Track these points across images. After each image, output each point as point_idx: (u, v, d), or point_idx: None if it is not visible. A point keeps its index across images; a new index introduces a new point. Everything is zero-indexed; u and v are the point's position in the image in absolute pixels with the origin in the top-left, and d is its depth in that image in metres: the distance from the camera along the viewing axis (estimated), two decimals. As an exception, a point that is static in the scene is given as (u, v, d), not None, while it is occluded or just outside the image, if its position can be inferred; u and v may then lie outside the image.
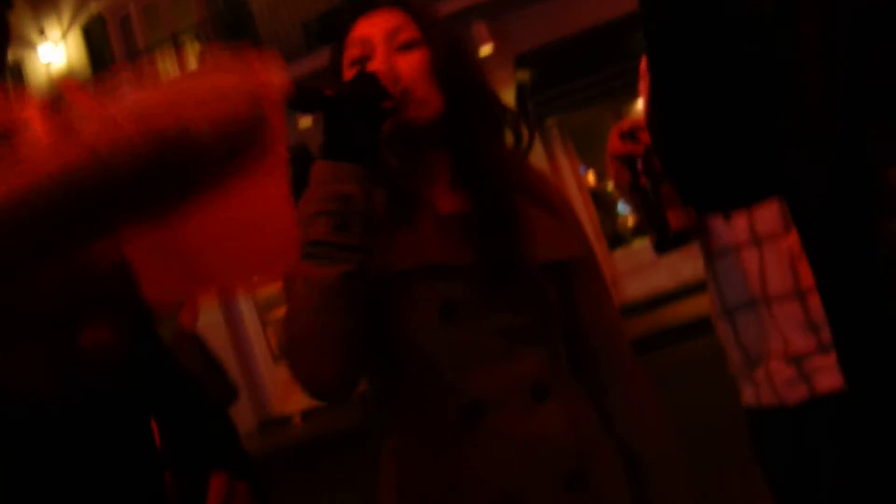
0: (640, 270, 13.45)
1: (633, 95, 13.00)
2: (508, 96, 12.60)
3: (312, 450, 11.63)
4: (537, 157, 13.05)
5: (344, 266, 1.47)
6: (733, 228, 2.08)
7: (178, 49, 15.83)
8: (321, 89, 1.50)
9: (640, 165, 2.06)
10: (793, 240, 1.98)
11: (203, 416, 1.61)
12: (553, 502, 1.60)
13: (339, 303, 1.47)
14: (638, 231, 13.88)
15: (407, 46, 1.65)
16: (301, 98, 1.47)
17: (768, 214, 2.05)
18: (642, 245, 13.65)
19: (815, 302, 1.97)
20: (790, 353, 2.04)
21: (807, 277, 1.98)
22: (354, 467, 8.49)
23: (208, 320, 15.42)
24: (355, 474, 8.37)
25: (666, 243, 2.09)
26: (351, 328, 1.50)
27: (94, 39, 17.06)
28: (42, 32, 17.43)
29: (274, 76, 1.02)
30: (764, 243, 2.04)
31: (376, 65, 1.60)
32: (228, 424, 1.67)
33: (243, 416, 15.43)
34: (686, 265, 12.54)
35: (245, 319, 16.06)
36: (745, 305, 2.11)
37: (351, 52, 1.66)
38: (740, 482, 4.82)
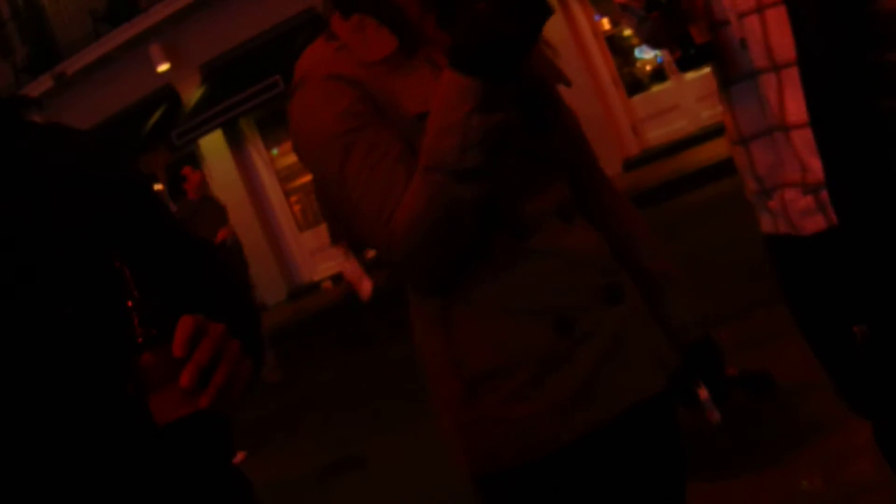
0: (660, 115, 13.31)
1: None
2: None
3: (342, 312, 11.78)
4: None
5: (485, 188, 1.52)
6: (750, 55, 2.01)
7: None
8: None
9: None
10: None
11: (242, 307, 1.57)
12: (598, 316, 1.65)
13: (473, 222, 1.54)
14: (656, 76, 13.68)
15: None
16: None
17: (788, 41, 1.97)
18: (661, 89, 13.48)
19: None
20: (808, 182, 2.00)
21: None
22: (383, 325, 8.59)
23: (231, 196, 15.60)
24: (384, 332, 8.50)
25: (690, 59, 2.03)
26: (472, 242, 1.58)
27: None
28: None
29: None
30: (783, 70, 1.97)
31: None
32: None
33: (273, 286, 15.64)
34: (705, 108, 12.39)
35: (268, 191, 16.08)
36: (761, 133, 2.05)
37: None
38: (767, 319, 4.83)
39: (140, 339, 1.19)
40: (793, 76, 1.94)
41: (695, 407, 1.84)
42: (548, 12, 1.44)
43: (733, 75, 2.08)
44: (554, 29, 12.56)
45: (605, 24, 13.54)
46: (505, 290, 1.62)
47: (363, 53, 1.60)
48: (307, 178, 15.89)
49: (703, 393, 1.83)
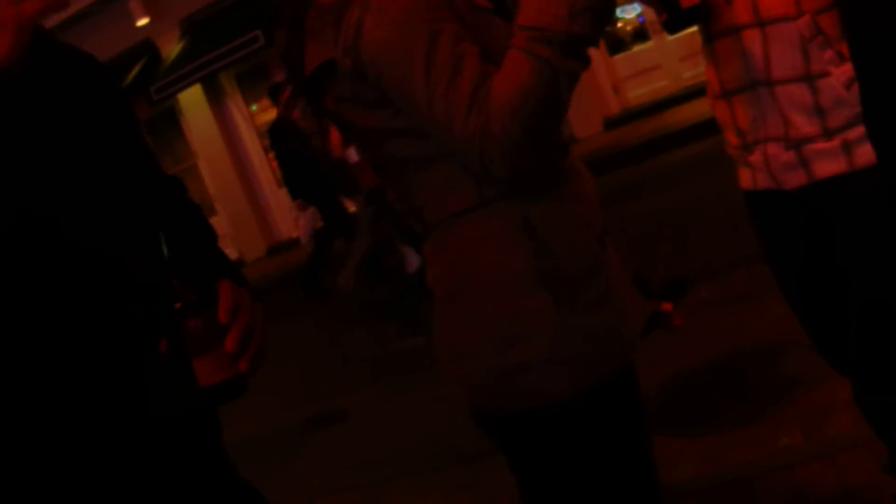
0: (642, 75, 13.30)
1: None
2: None
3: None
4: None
5: (586, 65, 1.55)
6: (735, 10, 2.01)
7: None
8: None
9: None
10: (803, 23, 1.92)
11: (208, 233, 1.65)
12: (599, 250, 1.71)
13: (568, 103, 1.55)
14: (638, 36, 13.65)
15: None
16: None
17: None
18: (643, 49, 13.45)
19: (826, 85, 1.94)
20: (790, 137, 2.01)
21: (818, 62, 1.93)
22: (363, 279, 8.61)
23: (211, 151, 15.50)
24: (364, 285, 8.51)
25: (677, 21, 2.03)
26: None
27: None
28: None
29: None
30: (769, 26, 1.97)
31: None
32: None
33: (252, 242, 15.61)
34: (687, 69, 12.39)
35: (247, 146, 16.00)
36: (744, 87, 2.06)
37: None
38: (748, 279, 4.87)
39: (179, 305, 1.22)
40: (778, 32, 1.95)
41: (663, 324, 1.97)
42: None
43: (717, 30, 2.08)
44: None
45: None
46: (567, 202, 1.67)
47: None
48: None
49: (669, 306, 2.00)
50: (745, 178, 2.18)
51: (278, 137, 9.30)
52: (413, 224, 1.81)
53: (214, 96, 15.74)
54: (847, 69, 1.92)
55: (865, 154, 1.92)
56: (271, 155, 16.09)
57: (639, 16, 13.19)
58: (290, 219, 15.78)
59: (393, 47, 1.54)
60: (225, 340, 1.24)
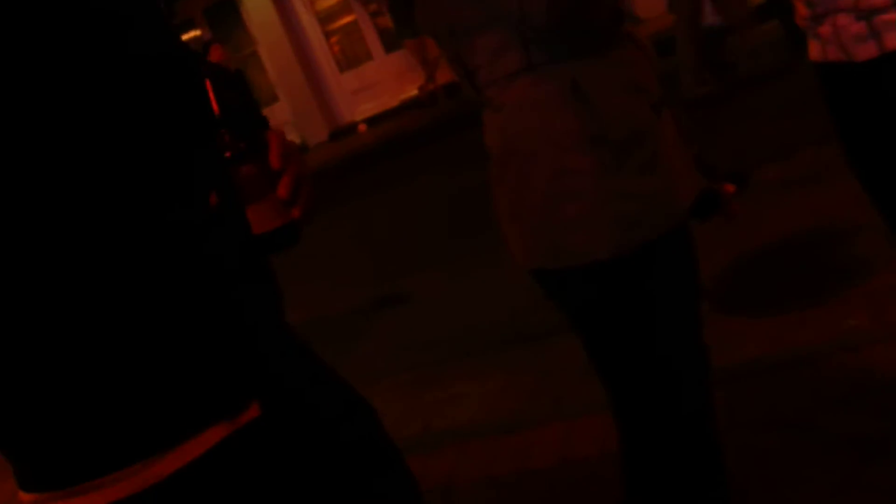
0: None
1: None
2: None
3: (377, 154, 11.82)
4: None
5: None
6: None
7: None
8: None
9: None
10: None
11: (248, 94, 1.65)
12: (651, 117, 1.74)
13: None
14: None
15: None
16: None
17: None
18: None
19: None
20: (861, 7, 1.95)
21: None
22: (426, 163, 8.61)
23: (271, 37, 15.42)
24: (428, 169, 8.52)
25: None
26: None
27: None
28: None
29: None
30: None
31: None
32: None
33: (314, 127, 15.63)
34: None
35: (307, 32, 15.89)
36: None
37: None
38: (816, 160, 4.79)
39: (229, 153, 1.22)
40: None
41: (721, 208, 1.98)
42: None
43: None
44: None
45: None
46: (622, 65, 1.69)
47: None
48: (348, 18, 15.70)
49: (730, 188, 2.02)
50: (815, 50, 2.13)
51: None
52: (467, 86, 1.86)
53: (274, -20, 15.58)
54: None
55: None
56: (333, 39, 16.03)
57: None
58: (351, 103, 15.78)
59: None
60: (278, 187, 1.24)
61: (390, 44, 14.98)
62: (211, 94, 1.22)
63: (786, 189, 4.74)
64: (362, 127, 14.83)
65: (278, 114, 16.53)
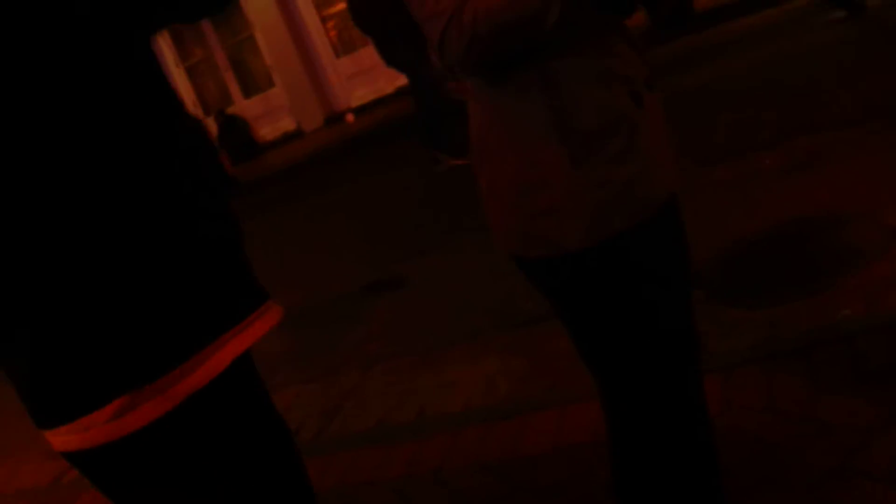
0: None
1: None
2: None
3: (367, 140, 11.84)
4: None
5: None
6: None
7: None
8: None
9: None
10: None
11: None
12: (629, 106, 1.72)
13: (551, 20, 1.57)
14: None
15: None
16: None
17: None
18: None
19: None
20: None
21: None
22: (418, 148, 8.59)
23: (267, 21, 15.35)
24: (420, 155, 8.51)
25: None
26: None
27: None
28: None
29: None
30: None
31: None
32: None
33: (310, 112, 15.60)
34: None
35: (304, 16, 15.83)
36: None
37: None
38: (810, 147, 4.78)
39: None
40: None
41: None
42: None
43: None
44: None
45: None
46: (597, 55, 1.67)
47: None
48: (344, 3, 15.62)
49: None
50: None
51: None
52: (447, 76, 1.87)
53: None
54: None
55: None
56: (330, 24, 15.96)
57: None
58: (347, 88, 15.73)
59: None
60: None
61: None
62: None
63: (780, 176, 4.73)
64: (350, 117, 14.78)
65: (274, 99, 16.50)
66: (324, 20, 15.94)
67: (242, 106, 16.88)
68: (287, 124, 16.43)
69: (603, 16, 1.68)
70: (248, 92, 17.15)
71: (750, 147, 5.31)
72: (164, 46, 17.08)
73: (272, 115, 16.66)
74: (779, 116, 5.66)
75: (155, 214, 1.42)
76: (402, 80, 12.27)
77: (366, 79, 15.27)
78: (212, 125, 15.74)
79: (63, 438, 1.43)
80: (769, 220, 4.24)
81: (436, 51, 1.60)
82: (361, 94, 15.30)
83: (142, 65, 1.49)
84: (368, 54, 15.29)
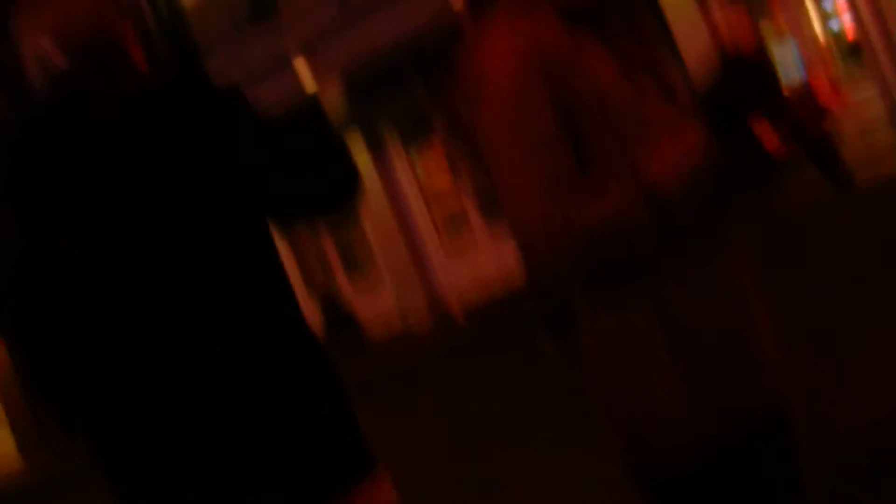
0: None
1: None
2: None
3: (477, 346, 11.73)
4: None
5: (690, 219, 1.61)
6: None
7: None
8: None
9: None
10: None
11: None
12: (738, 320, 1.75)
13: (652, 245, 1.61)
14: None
15: None
16: None
17: None
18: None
19: None
20: None
21: None
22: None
23: (377, 212, 15.62)
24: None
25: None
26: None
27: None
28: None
29: None
30: None
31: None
32: None
33: (417, 308, 15.60)
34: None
35: (415, 213, 16.20)
36: None
37: None
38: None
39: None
40: None
41: None
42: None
43: None
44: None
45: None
46: (705, 268, 1.67)
47: (550, 30, 1.65)
48: (455, 202, 15.93)
49: None
50: None
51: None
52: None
53: (374, 145, 15.96)
54: None
55: None
56: (433, 206, 16.24)
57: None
58: (454, 284, 15.78)
59: (496, 134, 1.64)
60: None
61: (494, 224, 15.01)
62: None
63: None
64: (456, 308, 14.77)
65: (376, 278, 16.62)
66: (427, 201, 16.25)
67: (346, 289, 17.13)
68: (389, 308, 16.48)
69: (710, 224, 1.67)
70: (350, 267, 17.45)
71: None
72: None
73: (372, 295, 16.78)
74: None
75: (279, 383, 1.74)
76: (510, 277, 12.36)
77: (472, 268, 15.37)
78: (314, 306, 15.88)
79: None
80: None
81: (537, 266, 1.60)
82: (468, 291, 15.34)
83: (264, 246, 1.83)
84: (475, 251, 15.51)
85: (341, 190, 1.86)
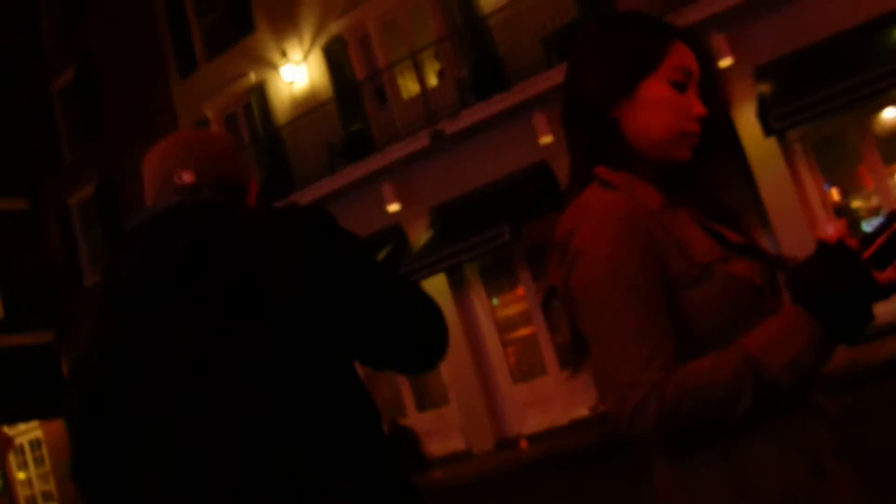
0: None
1: (881, 104, 12.36)
2: (749, 109, 12.25)
3: (543, 469, 11.63)
4: (778, 173, 12.62)
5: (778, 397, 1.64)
6: None
7: (417, 66, 16.25)
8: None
9: None
10: None
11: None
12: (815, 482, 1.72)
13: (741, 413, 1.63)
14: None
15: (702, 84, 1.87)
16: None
17: None
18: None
19: None
20: None
21: None
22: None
23: (451, 339, 15.63)
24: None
25: None
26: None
27: (335, 59, 17.56)
28: (284, 55, 18.20)
29: None
30: None
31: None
32: None
33: (482, 434, 15.52)
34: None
35: (486, 338, 16.19)
36: None
37: (673, 75, 1.82)
38: None
39: None
40: None
41: None
42: (871, 294, 1.62)
43: None
44: (782, 195, 12.29)
45: (835, 194, 13.15)
46: (782, 431, 1.69)
47: (647, 201, 1.75)
48: (526, 330, 15.92)
49: None
50: None
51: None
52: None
53: (457, 286, 16.02)
54: None
55: None
56: (510, 350, 16.18)
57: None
58: (521, 415, 15.66)
59: (592, 290, 1.70)
60: None
61: (566, 361, 14.93)
62: None
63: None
64: (524, 443, 14.67)
65: (448, 417, 16.50)
66: (504, 344, 16.20)
67: (415, 419, 16.99)
68: (457, 444, 16.35)
69: (792, 393, 1.67)
70: (422, 405, 17.26)
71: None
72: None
73: (443, 433, 16.64)
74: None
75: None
76: (576, 412, 12.23)
77: (540, 408, 15.20)
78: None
79: None
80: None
81: (624, 419, 1.62)
82: (535, 423, 15.25)
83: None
84: (545, 384, 15.37)
85: (442, 350, 1.97)
